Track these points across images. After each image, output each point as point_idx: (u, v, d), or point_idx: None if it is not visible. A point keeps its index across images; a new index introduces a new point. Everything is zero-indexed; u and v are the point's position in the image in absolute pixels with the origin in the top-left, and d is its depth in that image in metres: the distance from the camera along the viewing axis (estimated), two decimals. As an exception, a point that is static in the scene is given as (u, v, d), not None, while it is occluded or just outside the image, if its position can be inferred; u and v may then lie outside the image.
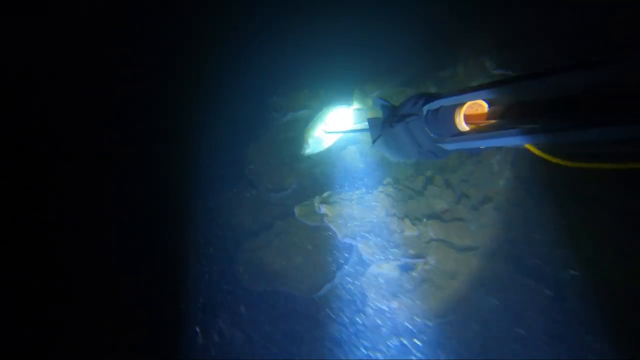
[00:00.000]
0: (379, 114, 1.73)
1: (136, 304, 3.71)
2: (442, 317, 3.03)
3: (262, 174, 4.12)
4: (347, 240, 3.38)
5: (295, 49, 4.51)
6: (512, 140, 1.00)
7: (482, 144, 1.13)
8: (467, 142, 1.18)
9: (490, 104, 1.15)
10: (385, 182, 3.49)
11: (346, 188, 3.65)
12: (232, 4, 4.99)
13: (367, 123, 1.77)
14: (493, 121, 1.13)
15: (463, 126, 1.19)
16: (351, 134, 3.62)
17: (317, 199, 3.56)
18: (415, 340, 3.01)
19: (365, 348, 3.09)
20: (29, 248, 4.03)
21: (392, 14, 4.13)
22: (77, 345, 3.59)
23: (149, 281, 3.76)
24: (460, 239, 3.20)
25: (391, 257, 3.21)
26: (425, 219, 3.28)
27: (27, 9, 4.69)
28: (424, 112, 1.31)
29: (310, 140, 3.43)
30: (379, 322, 3.15)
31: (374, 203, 3.40)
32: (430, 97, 1.31)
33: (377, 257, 3.25)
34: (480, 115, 1.17)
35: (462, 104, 1.17)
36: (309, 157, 3.74)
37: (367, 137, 2.97)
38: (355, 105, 3.54)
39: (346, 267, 3.38)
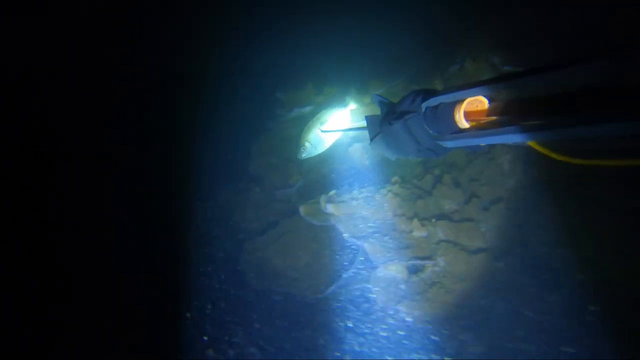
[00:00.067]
0: (376, 112, 1.72)
1: (136, 304, 3.71)
2: (453, 322, 2.93)
3: (267, 172, 4.03)
4: (354, 240, 3.29)
5: (295, 50, 4.50)
6: (514, 138, 0.98)
7: (483, 142, 1.11)
8: (467, 140, 1.15)
9: (491, 100, 1.13)
10: (392, 181, 3.39)
11: (353, 186, 3.55)
12: (232, 4, 4.99)
13: (364, 121, 1.74)
14: (494, 118, 1.10)
15: (463, 123, 1.16)
16: (350, 133, 3.58)
17: (323, 198, 3.46)
18: (425, 346, 2.90)
19: (372, 353, 2.99)
20: (29, 248, 4.03)
21: (392, 14, 4.13)
22: (77, 345, 3.59)
23: (149, 281, 3.75)
24: (470, 240, 3.11)
25: (399, 258, 3.11)
26: (434, 219, 3.18)
27: (27, 9, 4.69)
28: (423, 109, 1.29)
29: (307, 144, 3.36)
30: (386, 326, 3.05)
31: (381, 202, 3.31)
32: (428, 94, 1.28)
33: (385, 257, 3.15)
34: (480, 112, 1.14)
35: (462, 101, 1.15)
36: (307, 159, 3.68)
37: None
38: (352, 105, 3.51)
39: (352, 268, 3.31)
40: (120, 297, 3.77)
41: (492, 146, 3.21)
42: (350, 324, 3.15)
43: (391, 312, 3.07)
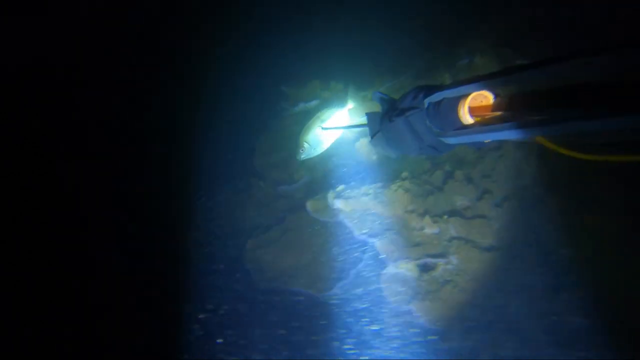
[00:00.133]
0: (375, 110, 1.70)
1: (136, 304, 3.70)
2: (467, 322, 2.85)
3: (271, 167, 3.94)
4: (363, 237, 3.21)
5: (295, 49, 4.50)
6: (521, 133, 0.94)
7: (487, 137, 1.08)
8: (472, 136, 1.12)
9: (496, 95, 1.10)
10: (402, 176, 3.32)
11: (361, 182, 3.45)
12: (232, 3, 4.99)
13: (365, 118, 1.71)
14: (499, 113, 1.07)
15: (467, 119, 1.13)
16: (355, 129, 3.52)
17: (330, 193, 3.39)
18: (436, 347, 2.82)
19: (382, 354, 2.92)
20: (29, 248, 4.03)
21: (392, 14, 4.12)
22: (77, 345, 3.59)
23: (149, 281, 3.75)
24: (483, 238, 3.02)
25: (410, 255, 3.03)
26: (445, 216, 3.10)
27: (27, 9, 4.69)
28: (425, 105, 1.27)
29: (306, 144, 3.31)
30: (396, 326, 2.96)
31: (391, 198, 3.23)
32: (431, 90, 1.26)
33: (395, 255, 3.07)
34: (485, 107, 1.11)
35: (466, 96, 1.12)
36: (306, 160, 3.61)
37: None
38: (351, 104, 3.48)
39: (361, 265, 3.21)
40: (120, 297, 3.76)
41: (502, 142, 3.18)
42: (358, 324, 3.08)
43: (402, 312, 2.98)
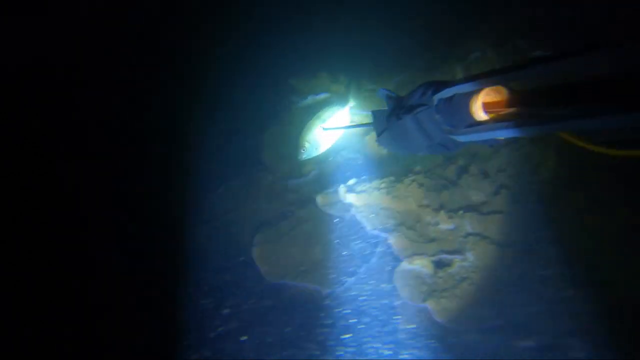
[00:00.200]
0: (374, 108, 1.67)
1: (136, 304, 3.70)
2: (484, 321, 2.74)
3: (280, 159, 3.84)
4: (376, 232, 3.14)
5: (295, 50, 4.50)
6: (539, 130, 0.89)
7: (502, 134, 1.02)
8: (485, 133, 1.06)
9: (510, 89, 1.04)
10: (415, 170, 3.22)
11: (373, 175, 3.34)
12: (232, 3, 4.99)
13: (371, 115, 1.67)
14: (514, 109, 1.01)
15: (480, 115, 1.07)
16: (354, 129, 3.50)
17: (342, 187, 3.30)
18: (453, 349, 2.71)
19: (396, 354, 2.80)
20: (29, 248, 4.03)
21: (392, 14, 4.13)
22: (77, 345, 3.59)
23: (149, 281, 3.75)
24: (500, 234, 2.90)
25: (425, 251, 2.93)
26: (461, 211, 3.00)
27: (27, 9, 4.69)
28: (435, 102, 1.21)
29: (307, 144, 3.28)
30: (411, 324, 2.86)
31: (404, 192, 3.13)
32: (440, 85, 1.20)
33: (409, 251, 2.97)
34: (498, 103, 1.05)
35: (479, 91, 1.05)
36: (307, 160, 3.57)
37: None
38: (352, 103, 3.47)
39: (373, 260, 3.12)
40: (120, 297, 3.76)
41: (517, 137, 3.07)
42: (369, 322, 3.00)
43: (417, 309, 2.89)
